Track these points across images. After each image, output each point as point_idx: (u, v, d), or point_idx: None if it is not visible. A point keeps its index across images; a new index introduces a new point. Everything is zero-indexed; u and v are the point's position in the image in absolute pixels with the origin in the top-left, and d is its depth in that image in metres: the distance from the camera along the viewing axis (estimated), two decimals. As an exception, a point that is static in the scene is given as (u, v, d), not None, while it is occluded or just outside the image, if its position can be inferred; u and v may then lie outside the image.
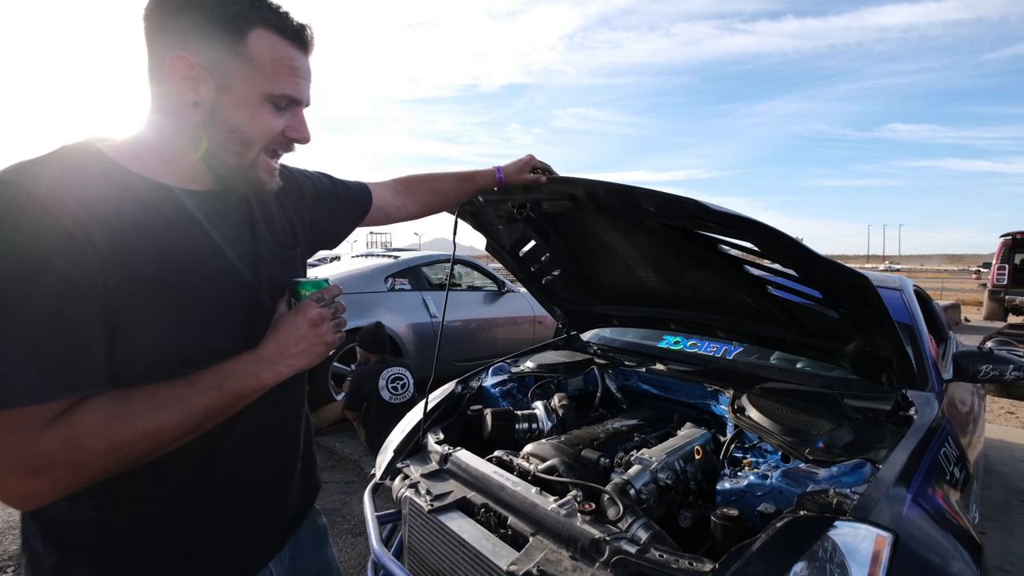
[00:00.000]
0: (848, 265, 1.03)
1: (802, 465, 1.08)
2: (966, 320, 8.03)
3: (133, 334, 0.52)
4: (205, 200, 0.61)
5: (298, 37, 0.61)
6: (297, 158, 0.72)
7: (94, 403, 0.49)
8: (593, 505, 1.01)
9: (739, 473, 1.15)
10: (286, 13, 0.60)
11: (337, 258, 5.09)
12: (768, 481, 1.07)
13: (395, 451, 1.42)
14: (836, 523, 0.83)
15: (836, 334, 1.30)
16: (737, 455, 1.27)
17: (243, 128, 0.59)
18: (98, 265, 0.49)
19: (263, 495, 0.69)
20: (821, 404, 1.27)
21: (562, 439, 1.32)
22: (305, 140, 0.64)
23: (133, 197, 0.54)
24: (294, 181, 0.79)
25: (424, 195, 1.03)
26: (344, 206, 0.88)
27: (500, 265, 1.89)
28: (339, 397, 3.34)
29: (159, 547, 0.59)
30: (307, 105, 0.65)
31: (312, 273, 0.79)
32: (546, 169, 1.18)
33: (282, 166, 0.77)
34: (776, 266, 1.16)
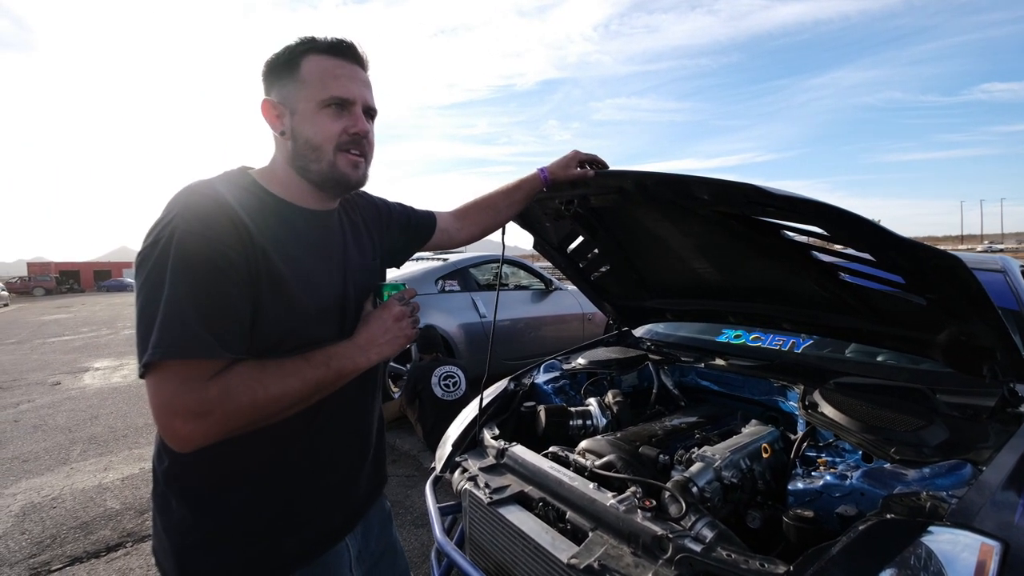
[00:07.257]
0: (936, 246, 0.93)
1: (887, 465, 0.99)
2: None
3: (267, 317, 0.65)
4: (315, 218, 0.76)
5: (338, 49, 0.72)
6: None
7: (242, 366, 0.62)
8: (654, 502, 0.99)
9: (813, 473, 1.08)
10: (331, 38, 0.72)
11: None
12: (847, 482, 1.00)
13: (453, 445, 1.47)
14: (931, 528, 0.75)
15: (923, 322, 1.17)
16: (810, 454, 1.18)
17: (312, 137, 0.71)
18: (255, 260, 0.64)
19: (340, 475, 0.79)
20: (908, 400, 1.15)
21: (618, 435, 1.30)
22: (362, 131, 0.73)
23: (272, 212, 0.70)
24: (376, 207, 0.94)
25: (479, 215, 1.13)
26: (413, 229, 1.02)
27: (547, 263, 1.90)
28: (395, 395, 3.52)
29: (252, 511, 0.69)
30: (366, 104, 0.74)
31: None
32: (593, 159, 1.17)
33: (366, 195, 0.94)
34: (849, 250, 1.08)
